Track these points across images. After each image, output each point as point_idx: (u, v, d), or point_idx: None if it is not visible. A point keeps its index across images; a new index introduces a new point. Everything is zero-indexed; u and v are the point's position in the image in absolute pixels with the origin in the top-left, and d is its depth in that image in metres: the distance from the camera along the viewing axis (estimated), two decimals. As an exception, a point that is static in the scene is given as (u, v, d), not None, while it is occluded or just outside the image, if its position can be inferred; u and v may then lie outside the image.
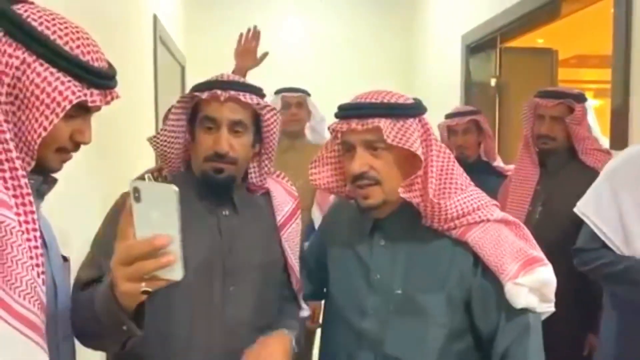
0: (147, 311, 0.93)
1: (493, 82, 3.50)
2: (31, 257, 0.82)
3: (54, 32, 0.85)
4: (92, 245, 1.26)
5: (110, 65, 0.95)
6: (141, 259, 0.79)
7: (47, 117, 0.83)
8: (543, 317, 1.20)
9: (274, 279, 1.37)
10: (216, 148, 1.23)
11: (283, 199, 1.41)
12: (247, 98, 1.25)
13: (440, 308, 1.19)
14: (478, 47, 3.51)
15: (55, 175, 0.98)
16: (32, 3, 0.89)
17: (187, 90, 3.73)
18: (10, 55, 0.81)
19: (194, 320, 1.23)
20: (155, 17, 3.33)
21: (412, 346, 1.20)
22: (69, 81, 0.84)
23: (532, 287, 1.12)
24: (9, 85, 0.81)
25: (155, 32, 3.32)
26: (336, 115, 1.24)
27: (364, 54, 4.87)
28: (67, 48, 0.85)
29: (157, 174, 1.43)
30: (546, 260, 1.17)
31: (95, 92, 0.89)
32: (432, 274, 1.21)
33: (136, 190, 0.78)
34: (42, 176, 0.95)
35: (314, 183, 1.33)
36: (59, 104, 0.83)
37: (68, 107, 0.84)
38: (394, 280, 1.23)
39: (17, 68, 0.82)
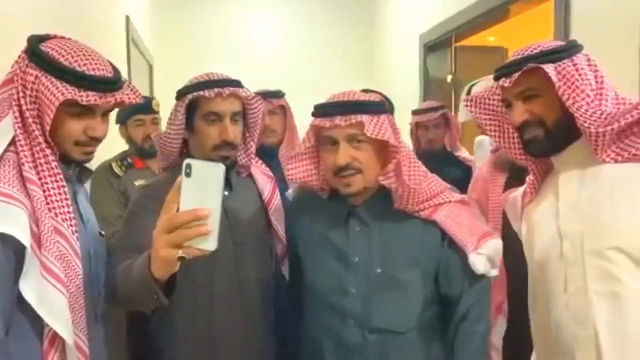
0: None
1: (449, 78, 3.75)
2: (60, 221, 1.07)
3: (59, 52, 1.09)
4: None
5: (114, 73, 1.15)
6: (182, 228, 0.89)
7: (48, 114, 1.07)
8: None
9: (268, 243, 1.61)
10: (224, 137, 1.43)
11: (263, 179, 1.62)
12: (242, 92, 1.46)
13: (417, 281, 1.37)
14: (435, 45, 3.74)
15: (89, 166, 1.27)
16: (59, 37, 1.15)
17: (156, 89, 3.96)
18: (30, 75, 1.08)
19: (214, 285, 1.45)
20: (127, 19, 3.42)
21: (396, 317, 1.37)
22: (63, 85, 1.07)
23: (488, 255, 1.34)
24: (30, 95, 1.08)
25: (128, 33, 3.41)
26: (316, 114, 1.36)
27: (325, 52, 5.06)
28: (65, 63, 1.08)
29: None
30: (496, 233, 1.40)
31: (91, 93, 1.09)
32: (407, 251, 1.37)
33: (188, 166, 0.90)
34: (78, 167, 1.22)
35: (289, 179, 1.46)
36: (52, 102, 1.07)
37: (57, 103, 1.06)
38: (372, 261, 1.36)
39: (33, 82, 1.08)
